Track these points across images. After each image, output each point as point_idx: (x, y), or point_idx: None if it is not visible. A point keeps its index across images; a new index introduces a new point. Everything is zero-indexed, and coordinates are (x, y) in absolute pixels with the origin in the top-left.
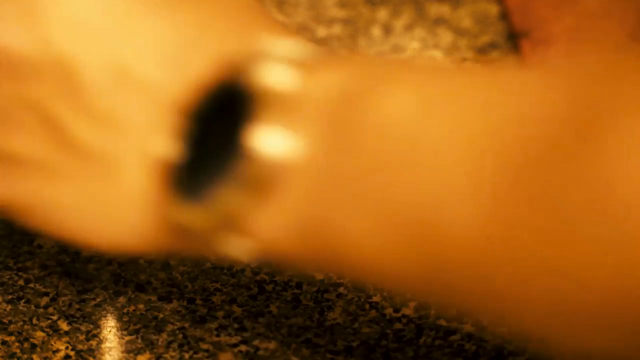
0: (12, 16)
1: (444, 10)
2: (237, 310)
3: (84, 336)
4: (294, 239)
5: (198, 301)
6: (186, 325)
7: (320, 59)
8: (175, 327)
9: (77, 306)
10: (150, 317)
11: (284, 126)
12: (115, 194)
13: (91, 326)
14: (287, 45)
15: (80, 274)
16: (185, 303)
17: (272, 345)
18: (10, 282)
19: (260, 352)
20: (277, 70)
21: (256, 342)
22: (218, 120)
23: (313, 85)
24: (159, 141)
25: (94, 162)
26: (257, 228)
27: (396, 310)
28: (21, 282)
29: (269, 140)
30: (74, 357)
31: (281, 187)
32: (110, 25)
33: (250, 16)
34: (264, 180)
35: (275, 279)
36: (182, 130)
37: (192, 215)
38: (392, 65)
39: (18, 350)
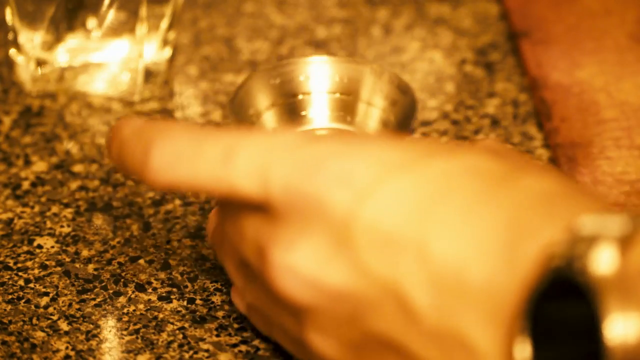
0: (327, 254)
1: (444, 10)
2: (237, 310)
3: (84, 336)
4: None
5: (198, 301)
6: (186, 325)
7: (632, 225)
8: (175, 327)
9: (77, 306)
10: (150, 317)
11: (629, 307)
12: None
13: (91, 326)
14: (605, 221)
15: (80, 274)
16: (185, 303)
17: (272, 345)
18: (10, 282)
19: (260, 352)
20: (603, 250)
21: (256, 342)
22: (555, 313)
23: (638, 259)
24: (506, 345)
25: None
26: None
27: None
28: (21, 282)
29: (628, 328)
30: (74, 357)
31: None
32: (419, 236)
33: (563, 197)
34: None
35: None
36: (523, 329)
37: None
38: None
39: (18, 350)
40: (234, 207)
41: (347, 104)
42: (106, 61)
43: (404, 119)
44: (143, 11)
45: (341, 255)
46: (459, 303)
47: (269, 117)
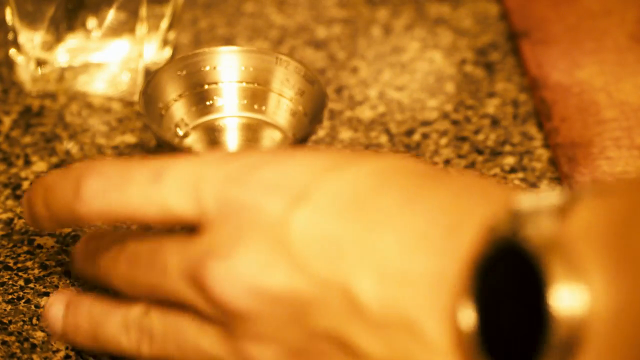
0: (266, 259)
1: (444, 10)
2: None
3: None
4: None
5: None
6: None
7: (569, 197)
8: None
9: None
10: None
11: (573, 275)
12: None
13: None
14: (542, 196)
15: None
16: None
17: None
18: (10, 282)
19: None
20: (544, 219)
21: None
22: (499, 284)
23: (578, 224)
24: (455, 319)
25: None
26: None
27: None
28: (21, 282)
29: (568, 296)
30: (74, 357)
31: (588, 346)
32: (358, 230)
33: (495, 186)
34: (574, 340)
35: None
36: (468, 297)
37: None
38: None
39: (18, 350)
40: (149, 249)
41: (254, 93)
42: (106, 61)
43: (313, 111)
44: (143, 11)
45: (281, 258)
46: (405, 291)
47: (178, 108)
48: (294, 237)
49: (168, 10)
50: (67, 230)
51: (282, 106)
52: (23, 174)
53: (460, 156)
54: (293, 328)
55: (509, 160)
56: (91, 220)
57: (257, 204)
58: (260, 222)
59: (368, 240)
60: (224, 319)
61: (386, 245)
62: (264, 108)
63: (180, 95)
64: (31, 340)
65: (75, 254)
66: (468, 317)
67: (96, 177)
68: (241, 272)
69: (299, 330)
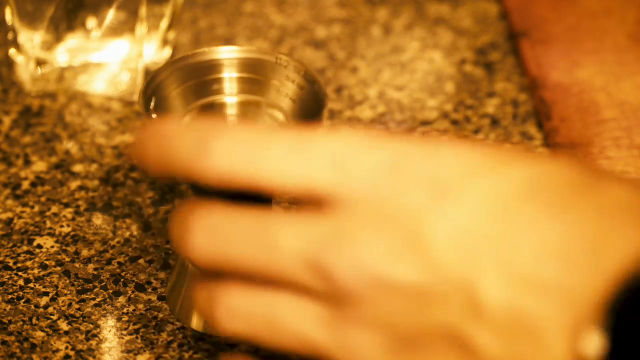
0: (397, 248)
1: (444, 10)
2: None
3: (84, 336)
4: None
5: None
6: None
7: None
8: (175, 327)
9: (77, 306)
10: (150, 317)
11: None
12: None
13: (91, 326)
14: None
15: (80, 274)
16: None
17: None
18: (10, 282)
19: (260, 352)
20: None
21: None
22: (633, 314)
23: None
24: (579, 339)
25: None
26: None
27: None
28: (21, 282)
29: None
30: (74, 357)
31: None
32: (499, 234)
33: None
34: None
35: None
36: (600, 326)
37: None
38: None
39: (18, 350)
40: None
41: (255, 90)
42: (106, 61)
43: (312, 110)
44: (143, 11)
45: (412, 250)
46: (535, 298)
47: (178, 108)
48: (431, 230)
49: (168, 10)
50: (66, 230)
51: (280, 104)
52: (23, 174)
53: None
54: (407, 318)
55: None
56: (213, 179)
57: (402, 193)
58: (400, 211)
59: (504, 241)
60: (335, 300)
61: (523, 248)
62: (264, 108)
63: (180, 95)
64: (31, 340)
65: (176, 222)
66: (594, 343)
67: (228, 137)
68: (367, 258)
69: (414, 321)
